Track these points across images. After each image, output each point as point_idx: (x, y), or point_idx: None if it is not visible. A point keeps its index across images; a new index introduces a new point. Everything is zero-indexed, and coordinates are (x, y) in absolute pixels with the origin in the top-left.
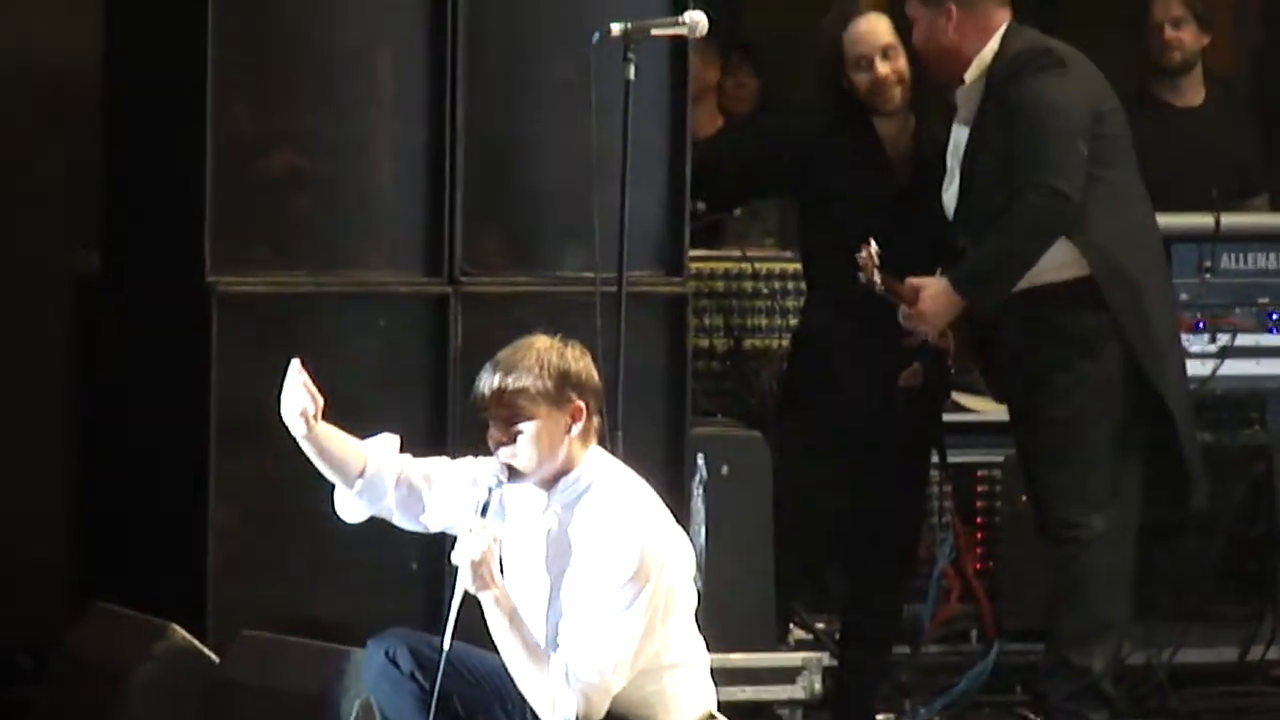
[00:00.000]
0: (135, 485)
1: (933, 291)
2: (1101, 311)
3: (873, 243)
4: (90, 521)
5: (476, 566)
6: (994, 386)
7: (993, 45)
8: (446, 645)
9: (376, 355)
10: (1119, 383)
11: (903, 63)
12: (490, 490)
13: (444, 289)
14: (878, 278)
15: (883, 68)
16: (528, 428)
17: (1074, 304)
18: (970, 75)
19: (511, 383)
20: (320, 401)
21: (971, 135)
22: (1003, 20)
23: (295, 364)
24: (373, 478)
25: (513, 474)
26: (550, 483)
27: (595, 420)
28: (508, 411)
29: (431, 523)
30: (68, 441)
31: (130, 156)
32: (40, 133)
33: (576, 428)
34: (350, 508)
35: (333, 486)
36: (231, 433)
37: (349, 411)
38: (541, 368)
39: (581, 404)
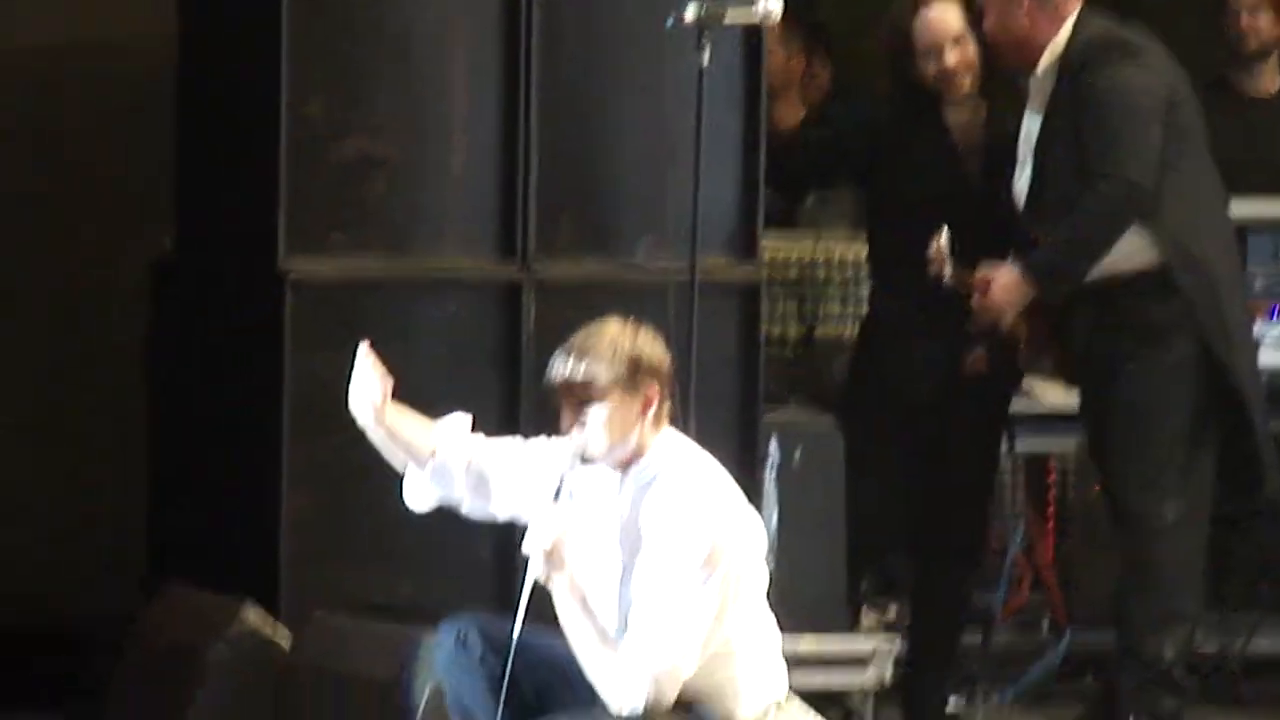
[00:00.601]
0: (209, 468)
1: (1004, 281)
2: (1174, 300)
3: (944, 234)
4: (164, 503)
5: (549, 555)
6: (1066, 375)
7: (1065, 32)
8: (517, 632)
9: (448, 341)
10: (1191, 371)
11: (972, 51)
12: (562, 475)
13: (516, 275)
14: (949, 270)
15: (952, 56)
16: (600, 412)
17: (1146, 293)
18: (1043, 63)
19: (584, 367)
20: (389, 385)
21: (1044, 124)
22: (1074, 7)
23: (364, 348)
24: (442, 462)
25: (585, 459)
26: (622, 467)
27: (668, 404)
28: (580, 396)
29: (500, 511)
30: (142, 425)
31: (204, 141)
32: (115, 116)
33: (649, 412)
34: (419, 496)
35: (403, 475)
36: (304, 418)
37: (420, 397)
38: (614, 352)
39: (653, 388)
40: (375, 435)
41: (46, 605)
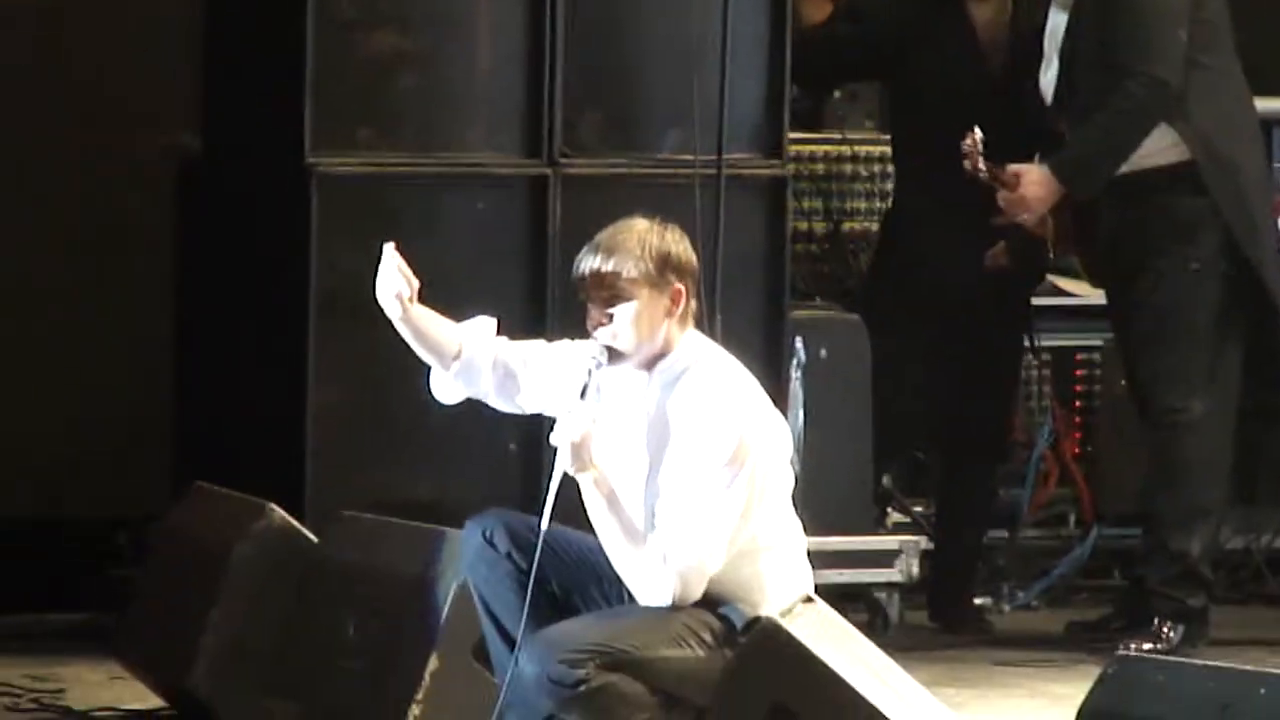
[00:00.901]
0: (235, 365)
1: (1034, 177)
2: (1201, 195)
3: (977, 130)
4: (189, 402)
5: (576, 448)
6: (1093, 272)
7: None
8: (544, 526)
9: (475, 236)
10: (1218, 266)
11: None
12: (590, 372)
13: (543, 170)
14: (982, 165)
15: None
16: (627, 309)
17: (1174, 188)
18: None
19: (611, 264)
20: (416, 284)
21: (1070, 20)
22: None
23: (389, 247)
24: (469, 360)
25: (612, 356)
26: (648, 365)
27: (694, 303)
28: (607, 293)
29: (527, 404)
30: (167, 323)
31: (231, 37)
32: (140, 14)
33: (676, 310)
34: (446, 389)
35: (430, 368)
36: (331, 314)
37: (447, 293)
38: (642, 249)
39: (681, 286)
40: (402, 329)
41: (72, 504)
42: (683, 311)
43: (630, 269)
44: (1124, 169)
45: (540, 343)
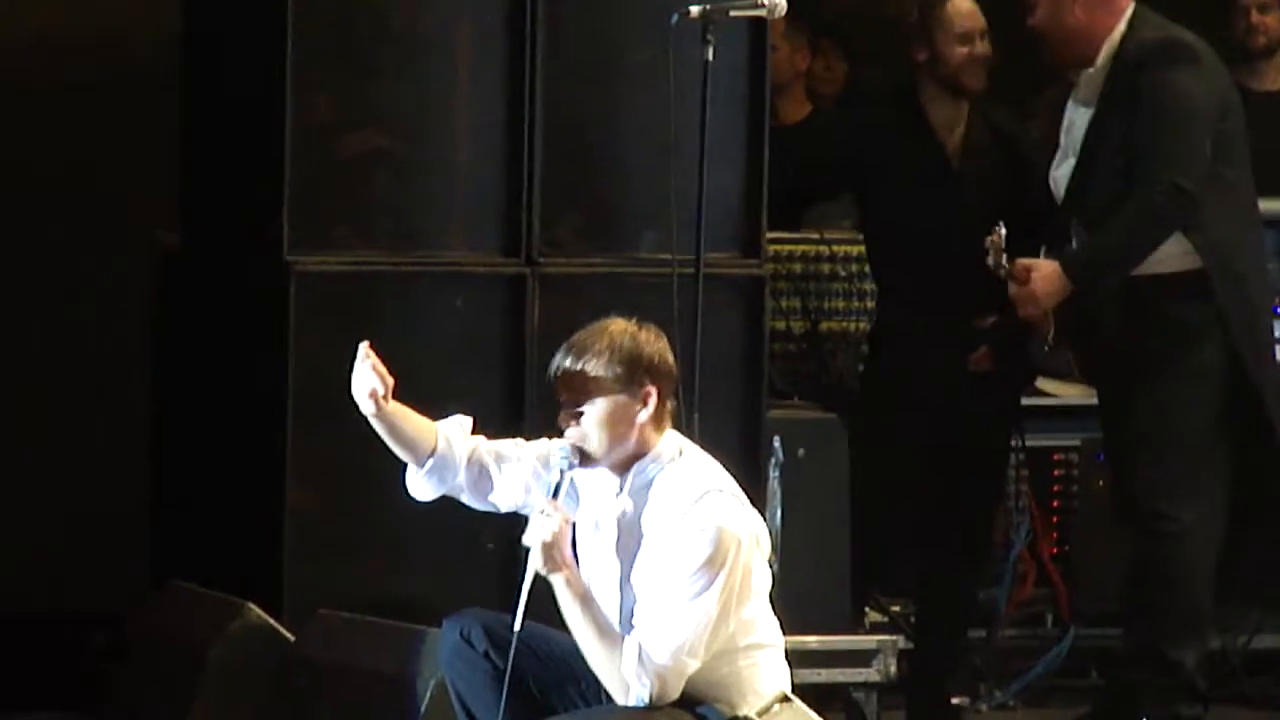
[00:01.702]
0: (212, 462)
1: (1044, 273)
2: (1208, 304)
3: (1002, 226)
4: (166, 498)
5: (548, 548)
6: (1087, 369)
7: (1120, 28)
8: (518, 626)
9: (453, 335)
10: (1219, 375)
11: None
12: (561, 471)
13: (521, 269)
14: (1005, 261)
15: (982, 46)
16: (595, 410)
17: (1181, 295)
18: (1100, 59)
19: (580, 364)
20: (390, 382)
21: (1095, 120)
22: (1129, 2)
23: (364, 347)
24: (443, 456)
25: (583, 457)
26: (623, 466)
27: (669, 404)
28: (576, 394)
29: (501, 502)
30: (145, 418)
31: (211, 133)
32: (122, 108)
33: (645, 412)
34: (420, 486)
35: (405, 465)
36: (308, 412)
37: (425, 391)
38: (612, 351)
39: (652, 388)
40: (377, 426)
41: (49, 601)
42: (655, 413)
43: (598, 370)
44: (1133, 271)
45: (516, 441)
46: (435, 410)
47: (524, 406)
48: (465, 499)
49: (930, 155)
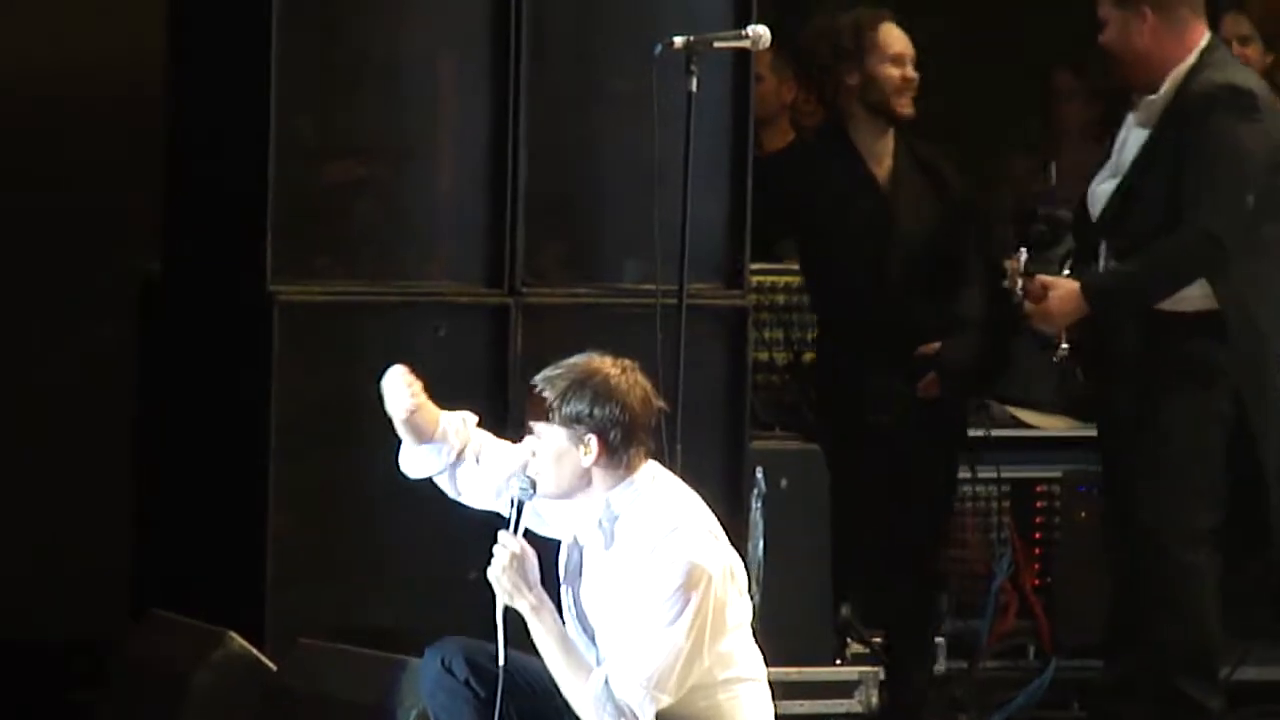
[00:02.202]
0: (194, 491)
1: (1061, 293)
2: (1222, 345)
3: (1023, 251)
4: (148, 527)
5: (499, 577)
6: (1096, 390)
7: (1190, 61)
8: (501, 659)
9: (436, 364)
10: (1225, 414)
11: None
12: (517, 502)
13: (504, 299)
14: (1020, 286)
15: (911, 71)
16: (543, 444)
17: (1201, 334)
18: (1164, 88)
19: (539, 390)
20: (419, 388)
21: (1148, 145)
22: (1201, 35)
23: (401, 371)
24: (440, 441)
25: (537, 487)
26: (594, 499)
27: (635, 449)
28: (534, 418)
29: (469, 498)
30: (127, 447)
31: (192, 163)
32: (101, 137)
33: (588, 459)
34: (412, 466)
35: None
36: (291, 441)
37: None
38: (568, 390)
39: (592, 437)
40: (403, 431)
41: (30, 629)
42: (604, 459)
43: (551, 401)
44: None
45: (506, 445)
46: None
47: (506, 435)
48: (442, 483)
49: (861, 185)
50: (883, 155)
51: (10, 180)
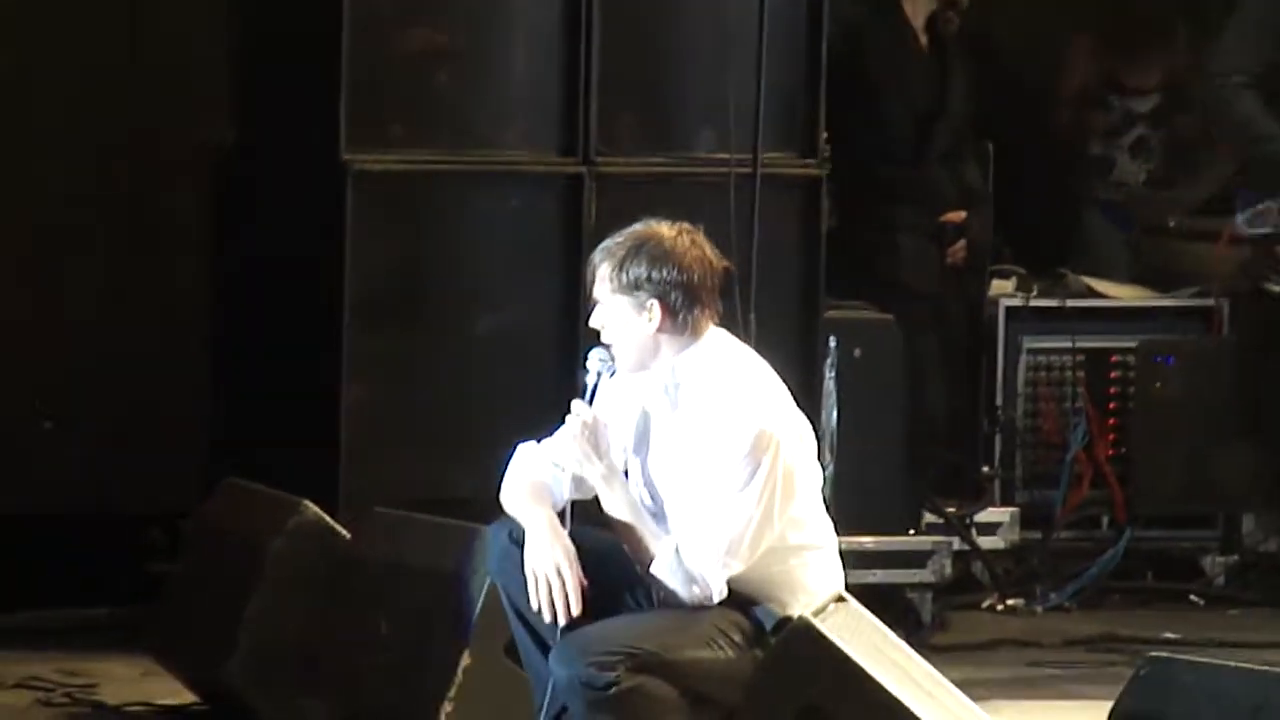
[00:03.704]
0: (268, 362)
1: None
2: None
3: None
4: (225, 398)
5: (576, 443)
6: None
7: None
8: (567, 526)
9: (510, 235)
10: None
11: None
12: (598, 374)
13: (578, 169)
14: None
15: None
16: (612, 318)
17: None
18: None
19: (597, 268)
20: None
21: None
22: None
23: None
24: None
25: (612, 367)
26: (662, 366)
27: (702, 310)
28: (600, 299)
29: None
30: (202, 319)
31: (267, 33)
32: (175, 11)
33: (651, 325)
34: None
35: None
36: (365, 310)
37: (482, 291)
38: (626, 259)
39: (654, 302)
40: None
41: (107, 500)
42: (669, 324)
43: (609, 276)
44: None
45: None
46: (492, 311)
47: (579, 306)
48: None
49: (905, 47)
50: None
51: (84, 53)
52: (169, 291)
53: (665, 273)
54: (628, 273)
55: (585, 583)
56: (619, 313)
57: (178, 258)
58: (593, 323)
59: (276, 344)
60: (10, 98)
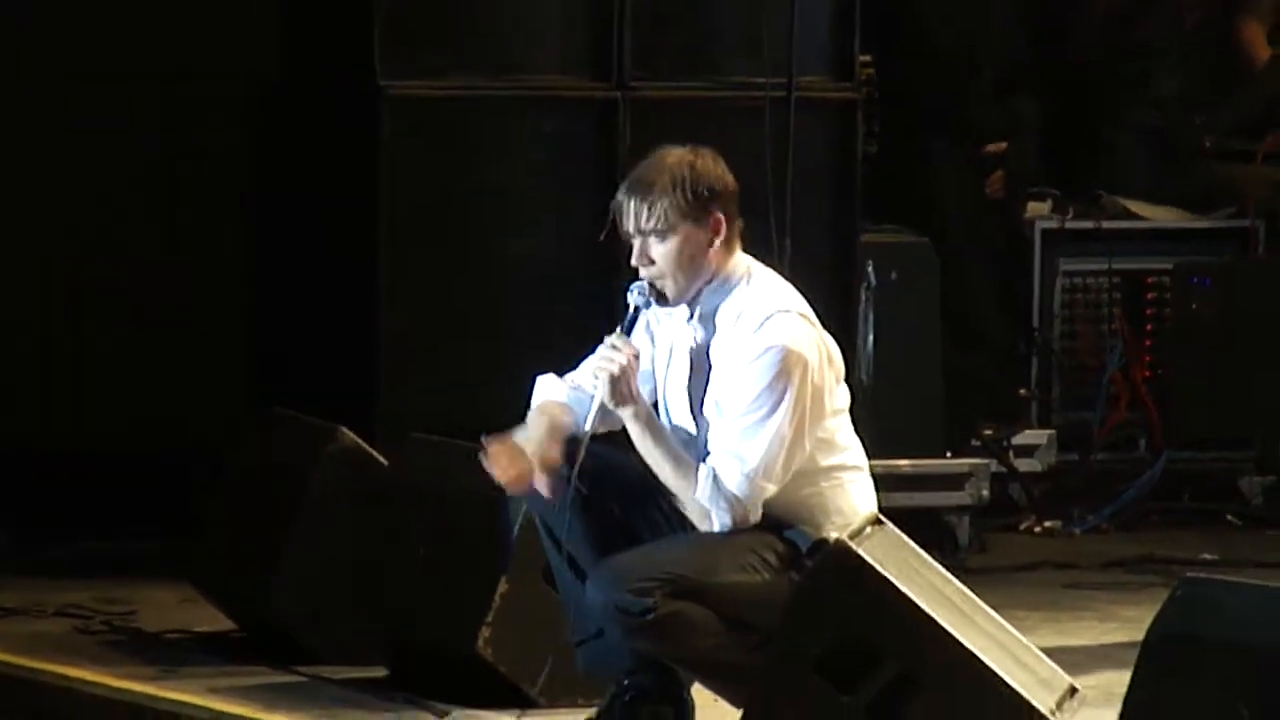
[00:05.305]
0: (308, 291)
1: None
2: None
3: None
4: (263, 327)
5: (615, 381)
6: None
7: None
8: (583, 448)
9: (545, 159)
10: None
11: None
12: (637, 309)
13: (612, 93)
14: None
15: None
16: (668, 248)
17: None
18: None
19: (648, 204)
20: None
21: None
22: None
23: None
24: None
25: (659, 297)
26: (699, 290)
27: (739, 223)
28: (649, 233)
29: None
30: (241, 248)
31: None
32: None
33: (718, 240)
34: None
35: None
36: (402, 236)
37: (515, 216)
38: (675, 184)
39: (720, 215)
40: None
41: (145, 429)
42: (726, 237)
43: (666, 205)
44: None
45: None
46: (524, 237)
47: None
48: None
49: None
50: None
51: None
52: (208, 220)
53: (720, 186)
54: (687, 193)
55: (534, 469)
56: (674, 239)
57: (217, 187)
58: (636, 260)
59: (316, 273)
60: (56, 32)
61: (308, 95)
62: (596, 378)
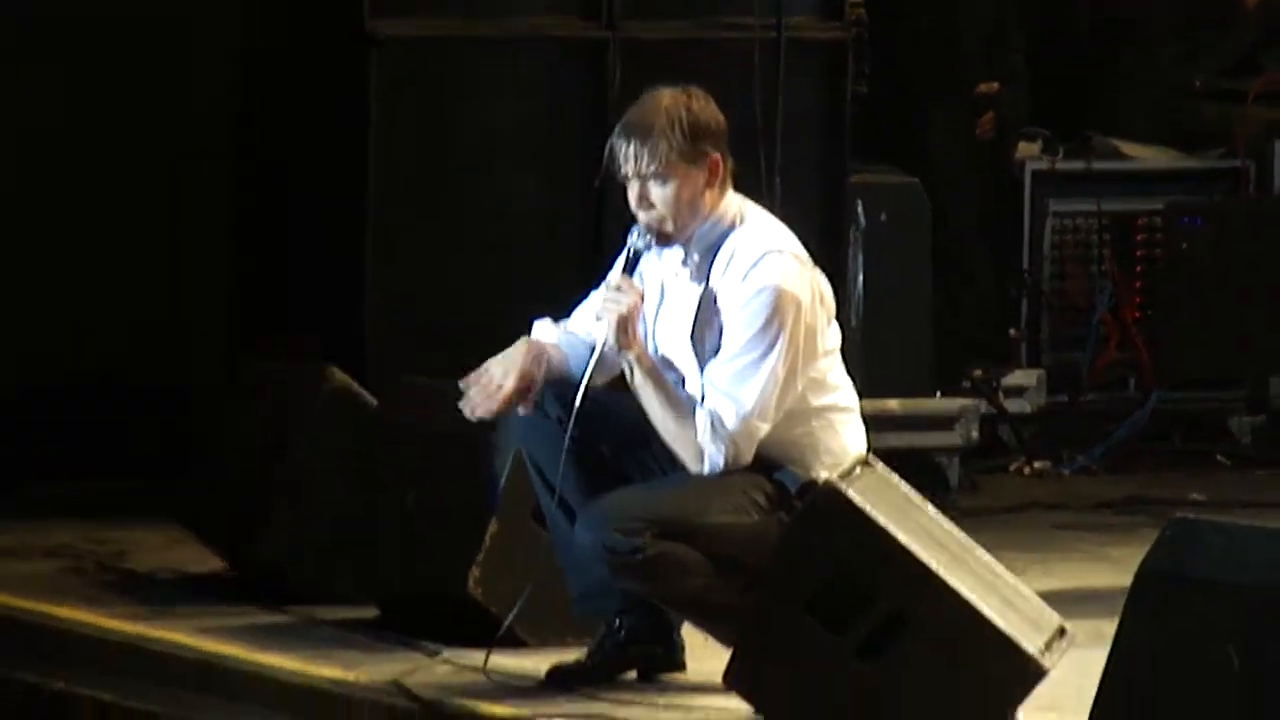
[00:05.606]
0: (297, 233)
1: None
2: None
3: None
4: (253, 268)
5: (621, 323)
6: None
7: None
8: (580, 392)
9: (535, 101)
10: None
11: None
12: (638, 252)
13: (603, 34)
14: None
15: None
16: (668, 190)
17: None
18: None
19: (646, 147)
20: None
21: None
22: None
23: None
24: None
25: (660, 238)
26: (692, 231)
27: (730, 163)
28: (646, 176)
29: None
30: (231, 190)
31: None
32: None
33: (715, 180)
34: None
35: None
36: (391, 179)
37: (505, 158)
38: (674, 126)
39: (715, 155)
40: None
41: (135, 368)
42: (721, 178)
43: (663, 147)
44: None
45: (581, 311)
46: (516, 180)
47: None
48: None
49: None
50: None
51: None
52: (199, 161)
53: (714, 126)
54: (685, 135)
55: (515, 395)
56: (677, 177)
57: (205, 130)
58: (635, 203)
59: (305, 215)
60: None
61: (297, 41)
62: (600, 319)
